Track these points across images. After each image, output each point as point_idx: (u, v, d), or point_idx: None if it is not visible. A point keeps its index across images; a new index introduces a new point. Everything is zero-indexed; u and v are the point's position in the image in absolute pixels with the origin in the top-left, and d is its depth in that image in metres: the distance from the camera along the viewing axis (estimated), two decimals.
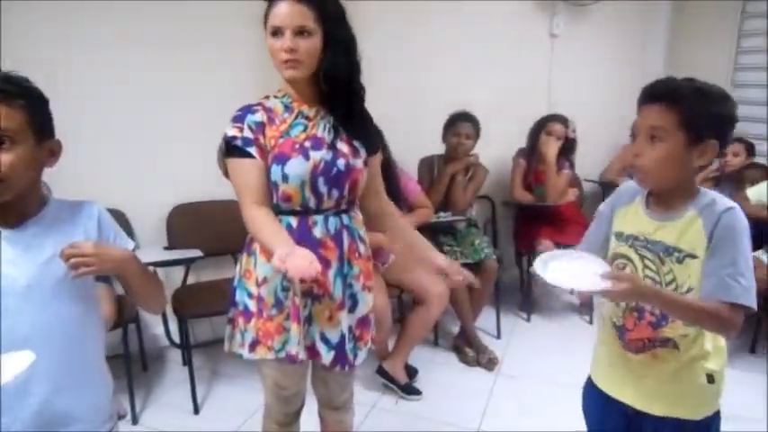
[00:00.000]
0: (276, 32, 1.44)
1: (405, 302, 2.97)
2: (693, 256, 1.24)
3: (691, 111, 1.20)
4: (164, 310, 1.44)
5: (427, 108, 3.24)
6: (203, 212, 2.95)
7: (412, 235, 1.82)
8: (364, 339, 1.66)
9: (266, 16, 1.47)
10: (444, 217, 3.09)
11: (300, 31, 1.43)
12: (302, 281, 1.46)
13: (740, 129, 3.76)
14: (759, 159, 3.53)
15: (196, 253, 2.52)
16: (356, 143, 1.57)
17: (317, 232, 1.52)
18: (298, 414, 1.76)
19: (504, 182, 3.72)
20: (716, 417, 1.35)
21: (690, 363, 1.31)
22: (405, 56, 3.33)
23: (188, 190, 2.94)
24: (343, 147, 1.53)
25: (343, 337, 1.58)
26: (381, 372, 2.70)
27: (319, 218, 1.53)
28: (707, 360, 1.31)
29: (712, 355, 1.32)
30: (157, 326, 3.00)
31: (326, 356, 1.57)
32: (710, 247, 1.21)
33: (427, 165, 3.27)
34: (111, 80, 2.71)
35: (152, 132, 2.83)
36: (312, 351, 1.58)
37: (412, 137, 3.18)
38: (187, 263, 2.69)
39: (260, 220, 1.46)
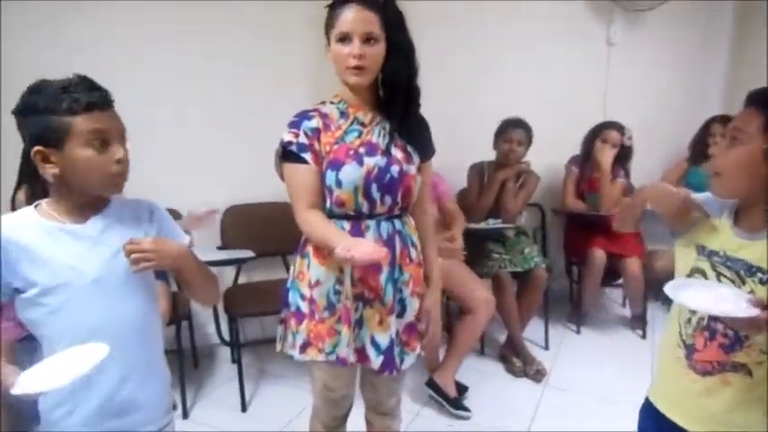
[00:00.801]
0: (343, 38, 1.46)
1: (451, 310, 2.95)
2: None
3: None
4: (216, 303, 1.50)
5: (480, 113, 3.22)
6: (256, 214, 3.02)
7: (427, 253, 1.73)
8: (411, 345, 1.66)
9: (330, 22, 1.49)
10: (494, 224, 3.05)
11: (368, 38, 1.45)
12: (352, 284, 1.52)
13: None
14: None
15: (248, 254, 2.58)
16: (410, 149, 1.57)
17: (370, 236, 1.53)
18: (345, 418, 1.77)
19: (556, 189, 3.66)
20: None
21: (762, 391, 1.22)
22: (458, 61, 3.32)
23: (242, 191, 3.01)
24: (397, 153, 1.54)
25: (392, 341, 1.58)
26: (431, 384, 2.65)
27: (372, 222, 1.54)
28: None
29: None
30: (209, 324, 3.08)
31: (376, 361, 1.58)
32: None
33: (477, 171, 3.24)
34: (170, 80, 2.81)
35: (208, 133, 2.92)
36: (362, 355, 1.59)
37: (463, 142, 3.17)
38: (239, 263, 2.75)
39: (314, 222, 1.50)
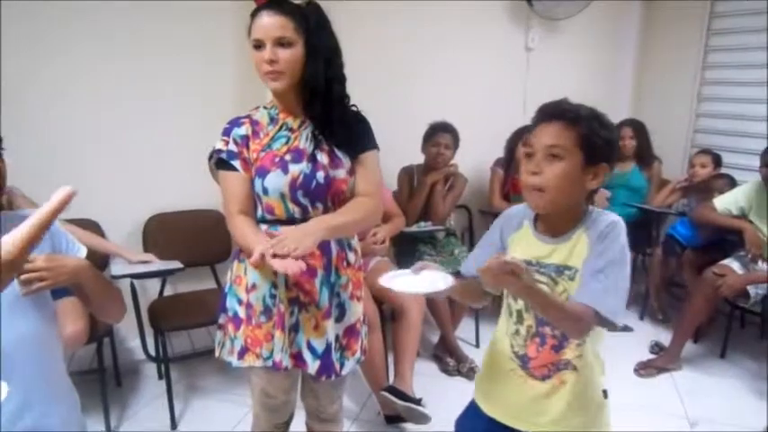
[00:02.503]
0: (258, 45, 1.47)
1: (385, 314, 2.95)
2: None
3: (589, 132, 1.21)
4: (122, 318, 1.41)
5: (406, 118, 3.25)
6: (179, 222, 2.90)
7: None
8: (352, 349, 1.65)
9: (249, 30, 1.49)
10: (424, 227, 3.10)
11: (281, 43, 1.45)
12: (287, 288, 1.51)
13: (706, 141, 3.96)
14: (725, 170, 3.64)
15: (176, 264, 2.47)
16: (339, 152, 1.56)
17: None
18: (287, 425, 1.75)
19: (482, 191, 3.76)
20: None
21: (588, 382, 1.32)
22: (383, 67, 3.34)
23: (163, 199, 2.88)
24: (323, 158, 1.53)
25: (329, 346, 1.57)
26: (393, 391, 2.46)
27: None
28: (597, 375, 1.34)
29: (598, 369, 1.34)
30: (131, 339, 2.93)
31: (312, 365, 1.56)
32: (588, 255, 1.23)
33: (407, 174, 3.28)
34: (85, 89, 2.67)
35: (126, 141, 2.78)
36: (299, 360, 1.57)
37: (391, 147, 3.18)
38: (167, 274, 2.63)
39: (241, 227, 1.50)
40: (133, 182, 2.80)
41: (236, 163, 1.51)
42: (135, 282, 2.60)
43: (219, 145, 1.53)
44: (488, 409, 1.42)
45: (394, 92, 3.39)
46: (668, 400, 2.81)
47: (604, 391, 1.35)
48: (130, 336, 2.90)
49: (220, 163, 1.53)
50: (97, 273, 1.22)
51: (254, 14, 1.49)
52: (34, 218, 0.54)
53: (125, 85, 2.73)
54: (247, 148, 1.52)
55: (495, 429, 1.39)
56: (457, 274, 1.44)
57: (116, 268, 2.42)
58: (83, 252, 1.26)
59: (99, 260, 2.59)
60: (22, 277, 1.05)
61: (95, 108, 2.69)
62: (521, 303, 1.34)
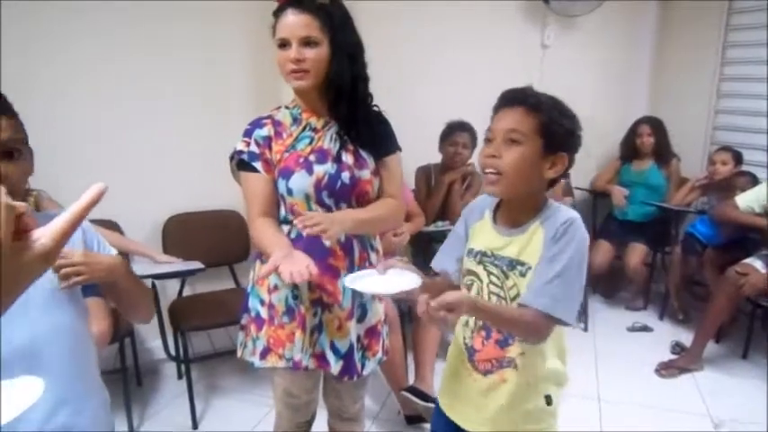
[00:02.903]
0: (283, 44, 1.46)
1: (404, 314, 2.95)
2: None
3: (549, 119, 1.19)
4: (151, 318, 1.42)
5: (424, 117, 3.24)
6: (198, 222, 2.92)
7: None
8: (373, 350, 1.65)
9: (274, 29, 1.48)
10: (442, 226, 3.08)
11: (307, 42, 1.43)
12: (309, 289, 1.50)
13: (726, 138, 3.90)
14: (746, 167, 3.59)
15: (198, 265, 2.47)
16: (363, 153, 1.56)
17: (327, 242, 1.51)
18: (309, 424, 1.74)
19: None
20: None
21: (529, 384, 1.27)
22: (396, 65, 3.34)
23: (182, 200, 2.90)
24: (348, 158, 1.53)
25: (351, 346, 1.57)
26: (414, 391, 2.45)
27: None
28: (544, 381, 1.28)
29: (550, 375, 1.29)
30: (153, 339, 2.94)
31: (335, 366, 1.56)
32: (542, 256, 1.20)
33: (424, 174, 3.27)
34: (105, 90, 2.69)
35: (146, 142, 2.80)
36: (322, 360, 1.57)
37: (406, 146, 3.17)
38: (189, 275, 2.63)
39: (261, 229, 1.50)
40: (152, 182, 2.82)
41: (258, 164, 1.51)
42: (155, 281, 2.61)
43: (240, 146, 1.53)
44: (442, 401, 1.41)
45: (408, 91, 3.38)
46: (690, 400, 2.78)
47: (548, 397, 1.29)
48: (150, 336, 2.93)
49: (241, 164, 1.53)
50: (130, 271, 1.23)
51: (277, 13, 1.47)
52: (68, 213, 0.55)
53: (144, 85, 2.75)
54: (269, 149, 1.52)
55: (450, 424, 1.37)
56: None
57: (138, 268, 2.42)
58: (113, 252, 1.27)
59: None
60: (62, 272, 1.07)
61: (113, 108, 2.70)
62: (473, 295, 1.29)
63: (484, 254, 1.28)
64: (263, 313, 1.56)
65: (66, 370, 1.13)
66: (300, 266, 1.28)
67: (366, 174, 1.55)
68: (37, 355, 1.07)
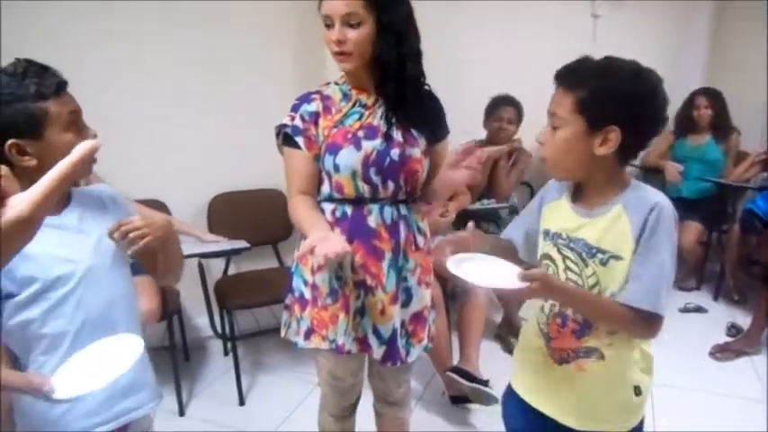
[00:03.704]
0: (327, 23, 1.40)
1: (448, 293, 2.91)
2: (618, 258, 1.12)
3: (591, 93, 1.09)
4: (178, 281, 1.48)
5: (467, 90, 3.15)
6: (242, 202, 2.93)
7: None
8: (418, 336, 1.60)
9: (319, 4, 1.42)
10: (487, 204, 3.02)
11: (348, 21, 1.37)
12: (353, 271, 1.48)
13: None
14: None
15: (243, 244, 2.48)
16: (415, 132, 1.50)
17: (372, 222, 1.48)
18: (354, 407, 1.73)
19: (545, 167, 3.62)
20: (639, 426, 1.26)
21: (616, 375, 1.20)
22: (445, 37, 3.25)
23: (228, 179, 2.92)
24: (398, 136, 1.47)
25: (395, 332, 1.53)
26: (459, 371, 2.41)
27: (375, 207, 1.49)
28: (634, 371, 1.21)
29: (640, 364, 1.22)
30: (199, 316, 3.00)
31: (378, 350, 1.54)
32: (637, 249, 1.10)
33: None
34: (150, 70, 2.70)
35: (191, 121, 2.81)
36: (364, 344, 1.54)
37: (452, 120, 3.11)
38: (234, 254, 2.66)
39: (300, 208, 1.47)
40: (197, 162, 2.83)
41: (300, 140, 1.46)
42: (200, 260, 2.65)
43: (286, 119, 1.49)
44: (517, 386, 1.36)
45: (455, 63, 3.29)
46: (747, 385, 2.66)
47: (636, 388, 1.21)
48: (197, 313, 2.98)
49: (286, 138, 1.49)
50: (174, 230, 1.27)
51: None
52: (50, 174, 0.51)
53: (187, 66, 2.75)
54: (315, 124, 1.47)
55: (526, 407, 1.31)
56: None
57: (185, 247, 2.46)
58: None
59: None
60: (131, 235, 1.12)
61: (158, 90, 2.72)
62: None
63: (558, 235, 1.21)
64: (307, 294, 1.54)
65: (128, 333, 1.20)
66: (336, 247, 1.25)
67: (417, 152, 1.49)
68: (112, 321, 1.17)
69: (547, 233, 1.25)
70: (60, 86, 1.07)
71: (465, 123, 3.11)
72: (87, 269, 1.15)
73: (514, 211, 3.23)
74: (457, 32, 3.33)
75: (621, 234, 1.11)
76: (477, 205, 3.00)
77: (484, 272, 1.15)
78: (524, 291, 1.07)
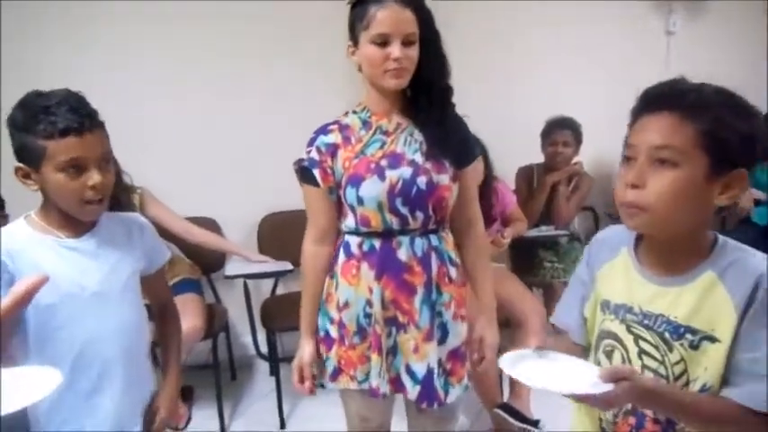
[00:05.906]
0: (382, 41, 1.32)
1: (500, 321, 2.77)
2: (714, 340, 0.88)
3: (718, 125, 0.85)
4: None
5: (526, 112, 3.03)
6: (292, 222, 2.91)
7: (477, 270, 1.54)
8: (458, 375, 1.49)
9: (361, 21, 1.34)
10: (546, 231, 2.87)
11: (409, 39, 1.32)
12: (383, 307, 1.43)
13: None
14: None
15: (286, 266, 2.48)
16: (442, 157, 1.42)
17: (402, 255, 1.40)
18: None
19: (610, 191, 3.41)
20: None
21: None
22: (507, 57, 3.16)
23: (280, 199, 2.92)
24: (425, 162, 1.39)
25: (431, 371, 1.43)
26: (507, 408, 2.31)
27: (405, 239, 1.41)
28: None
29: None
30: (247, 334, 3.01)
31: (412, 391, 1.44)
32: (743, 328, 0.85)
33: (525, 175, 3.07)
34: (202, 87, 2.76)
35: (243, 140, 2.85)
36: (397, 383, 1.46)
37: (508, 145, 2.99)
38: (277, 276, 2.65)
39: (307, 272, 1.56)
40: (248, 181, 2.86)
41: (317, 172, 1.41)
42: (248, 281, 2.66)
43: (304, 153, 1.45)
44: None
45: (510, 84, 3.18)
46: None
47: None
48: (245, 331, 2.99)
49: (303, 173, 1.45)
50: (179, 370, 1.44)
51: (365, 3, 1.33)
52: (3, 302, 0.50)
53: (240, 85, 2.80)
54: (333, 156, 1.41)
55: None
56: None
57: (231, 267, 2.50)
58: (167, 255, 1.44)
59: (216, 259, 2.69)
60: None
61: (211, 109, 2.77)
62: (616, 363, 0.99)
63: (628, 309, 0.97)
64: (333, 332, 1.48)
65: (130, 358, 1.27)
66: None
67: (445, 179, 1.40)
68: (106, 347, 1.21)
69: (607, 305, 1.01)
70: (68, 129, 1.07)
71: (525, 147, 3.00)
72: (93, 294, 1.18)
73: (576, 239, 3.06)
74: (520, 51, 3.22)
75: (718, 309, 0.88)
76: (535, 232, 2.86)
77: (545, 371, 0.95)
78: (609, 396, 0.85)
